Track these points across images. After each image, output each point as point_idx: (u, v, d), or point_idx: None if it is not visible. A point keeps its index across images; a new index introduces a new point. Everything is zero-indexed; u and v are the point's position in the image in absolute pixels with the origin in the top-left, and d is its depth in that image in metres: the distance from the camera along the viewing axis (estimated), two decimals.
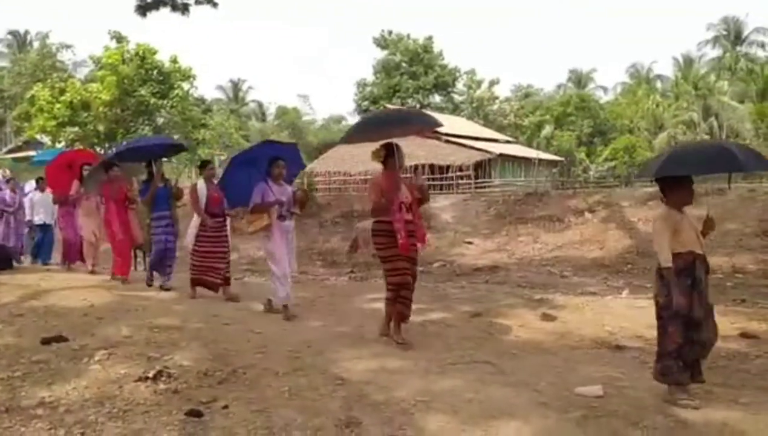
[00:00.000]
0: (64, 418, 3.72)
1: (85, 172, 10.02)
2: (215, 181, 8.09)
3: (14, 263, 12.14)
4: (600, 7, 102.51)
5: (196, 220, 7.84)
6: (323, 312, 7.26)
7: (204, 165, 8.34)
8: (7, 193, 11.91)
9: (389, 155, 5.80)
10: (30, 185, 13.52)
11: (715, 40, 49.31)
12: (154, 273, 8.61)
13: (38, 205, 12.15)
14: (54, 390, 4.16)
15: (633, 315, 7.04)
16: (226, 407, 3.96)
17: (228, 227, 8.08)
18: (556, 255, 13.23)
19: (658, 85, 52.35)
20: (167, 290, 8.15)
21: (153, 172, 8.45)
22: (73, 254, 10.81)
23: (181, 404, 3.96)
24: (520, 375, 4.83)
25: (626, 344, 5.84)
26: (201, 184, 7.90)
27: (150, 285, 8.51)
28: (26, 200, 12.85)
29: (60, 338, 5.23)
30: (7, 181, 14.17)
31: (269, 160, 7.04)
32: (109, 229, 9.23)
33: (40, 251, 12.14)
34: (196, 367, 4.68)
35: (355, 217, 18.32)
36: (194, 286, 7.87)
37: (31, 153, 34.46)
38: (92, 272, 9.91)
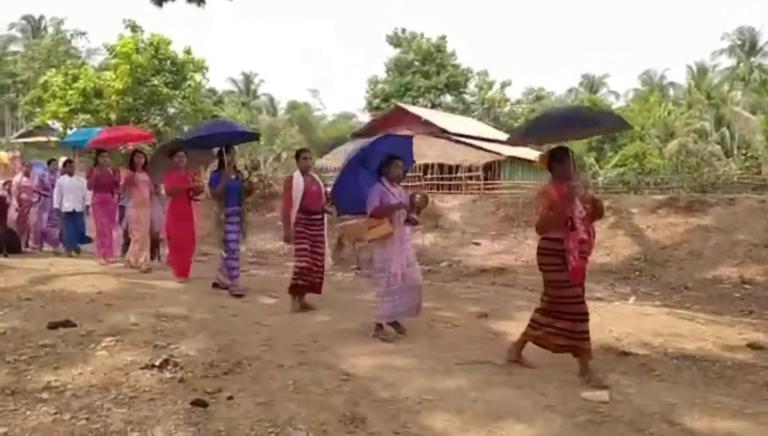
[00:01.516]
0: (69, 403, 3.73)
1: (137, 158, 9.44)
2: (313, 174, 7.24)
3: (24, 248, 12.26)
4: (614, 13, 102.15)
5: (293, 215, 6.95)
6: (329, 307, 7.25)
7: (298, 156, 7.26)
8: (46, 176, 11.65)
9: (559, 161, 4.92)
10: (39, 168, 13.31)
11: (730, 50, 49.07)
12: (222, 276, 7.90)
13: (67, 190, 11.24)
14: (60, 375, 4.18)
15: (640, 322, 7.01)
16: (231, 398, 3.97)
17: (325, 227, 7.21)
18: None
19: (671, 92, 52.10)
20: (239, 295, 7.55)
21: (225, 161, 7.74)
22: (108, 247, 10.31)
23: (187, 394, 3.96)
24: (526, 378, 4.81)
25: (633, 350, 5.80)
26: (298, 176, 6.98)
27: (216, 286, 7.86)
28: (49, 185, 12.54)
29: (67, 323, 5.25)
30: (23, 165, 14.25)
31: (384, 157, 5.98)
32: (169, 222, 8.52)
33: (69, 239, 11.46)
34: (202, 357, 4.69)
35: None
36: (296, 293, 6.98)
37: (42, 138, 34.67)
38: (147, 271, 9.03)
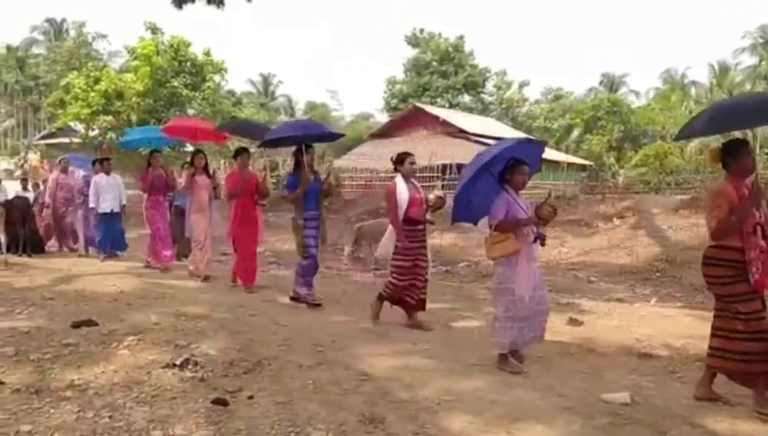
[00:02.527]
0: (92, 401, 3.77)
1: (198, 160, 8.93)
2: (414, 180, 6.43)
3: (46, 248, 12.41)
4: (634, 11, 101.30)
5: (393, 231, 6.27)
6: (348, 307, 7.27)
7: (402, 159, 6.32)
8: (98, 176, 10.91)
9: (737, 155, 4.26)
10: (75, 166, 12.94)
11: (752, 48, 48.38)
12: (299, 285, 7.28)
13: (105, 190, 10.70)
14: (83, 373, 4.23)
15: (662, 324, 6.95)
16: (251, 397, 3.99)
17: (426, 237, 6.48)
18: (583, 260, 13.10)
19: (692, 91, 51.52)
20: (317, 305, 7.13)
21: (302, 161, 7.11)
22: (160, 252, 9.79)
23: (207, 393, 3.99)
24: (546, 379, 4.79)
25: (654, 352, 5.75)
26: (400, 182, 6.22)
27: (296, 299, 7.22)
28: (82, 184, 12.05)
29: (90, 323, 5.32)
30: (59, 162, 14.16)
31: (510, 162, 5.12)
32: (233, 227, 8.00)
33: (104, 242, 10.93)
34: (222, 356, 4.72)
35: (381, 214, 18.30)
36: (383, 301, 6.51)
37: (64, 140, 35.07)
38: (205, 279, 8.61)
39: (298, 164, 7.20)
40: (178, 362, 4.42)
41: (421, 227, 6.30)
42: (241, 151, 8.19)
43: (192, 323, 5.64)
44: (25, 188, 13.20)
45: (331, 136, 8.51)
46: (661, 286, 10.89)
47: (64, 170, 12.29)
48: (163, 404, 3.78)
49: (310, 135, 7.42)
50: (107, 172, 10.90)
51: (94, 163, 12.31)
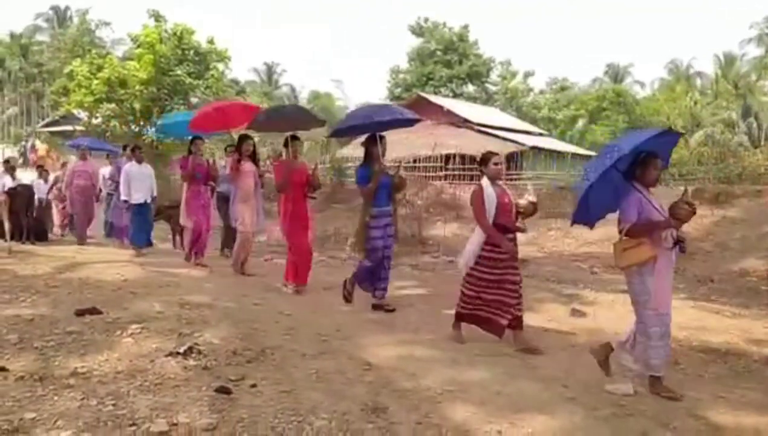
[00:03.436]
0: (96, 389, 3.78)
1: (245, 145, 8.22)
2: (501, 182, 5.69)
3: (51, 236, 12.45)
4: (640, 1, 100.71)
5: (479, 234, 5.50)
6: (352, 299, 7.26)
7: (486, 159, 5.64)
8: (129, 164, 10.24)
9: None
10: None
11: (758, 39, 48.06)
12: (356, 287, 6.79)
13: (136, 179, 10.00)
14: (87, 361, 4.23)
15: None
16: (254, 386, 3.99)
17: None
18: (587, 251, 13.06)
19: (697, 82, 51.29)
20: (390, 310, 6.58)
21: (374, 152, 6.52)
22: (201, 245, 9.09)
23: (211, 381, 4.00)
24: (549, 370, 4.79)
25: None
26: (487, 186, 5.50)
27: (349, 300, 6.79)
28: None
29: (93, 311, 5.32)
30: (63, 165, 14.02)
31: (642, 155, 4.46)
32: (285, 223, 7.40)
33: (138, 236, 10.23)
34: (226, 345, 4.73)
35: None
36: (461, 322, 5.69)
37: (68, 127, 35.08)
38: (250, 275, 8.21)
39: (368, 155, 6.62)
40: (181, 351, 4.42)
41: (511, 235, 5.55)
42: (292, 139, 7.38)
43: (196, 312, 5.64)
44: (41, 177, 13.26)
45: (408, 122, 7.44)
46: None
47: (83, 158, 12.02)
48: (166, 392, 3.78)
49: (385, 122, 6.85)
50: (139, 161, 10.24)
51: (124, 148, 11.92)
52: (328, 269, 9.84)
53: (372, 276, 6.71)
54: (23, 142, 33.87)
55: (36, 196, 12.96)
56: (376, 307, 6.59)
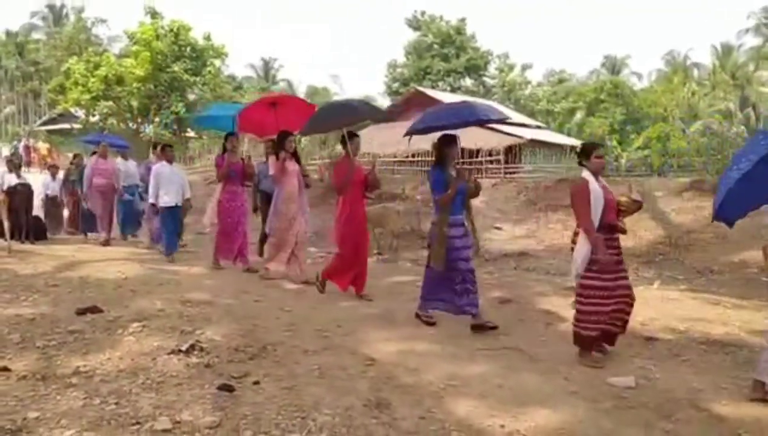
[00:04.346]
0: (99, 387, 3.78)
1: (288, 143, 7.63)
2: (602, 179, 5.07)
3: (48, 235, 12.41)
4: None
5: (585, 240, 4.87)
6: (352, 292, 7.27)
7: (588, 151, 5.07)
8: (159, 165, 9.57)
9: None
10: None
11: (756, 29, 48.01)
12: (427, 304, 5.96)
13: (167, 181, 9.20)
14: (89, 360, 4.24)
15: (665, 307, 6.95)
16: (257, 382, 4.00)
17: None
18: None
19: (695, 73, 51.21)
20: (492, 327, 5.69)
21: (450, 154, 5.85)
22: (228, 250, 8.54)
23: (213, 378, 4.00)
24: (551, 363, 4.80)
25: (659, 335, 5.76)
26: (592, 181, 4.91)
27: (432, 323, 5.85)
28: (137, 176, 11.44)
29: (95, 309, 5.33)
30: (74, 157, 13.55)
31: None
32: (341, 226, 6.86)
33: (171, 241, 9.42)
34: (228, 342, 4.73)
35: (384, 199, 18.28)
36: (592, 345, 4.95)
37: (65, 126, 34.98)
38: (305, 283, 7.52)
39: (443, 157, 5.85)
40: (183, 348, 4.43)
41: (617, 235, 5.05)
42: (352, 136, 6.85)
43: (197, 309, 5.65)
44: (54, 177, 13.22)
45: (498, 119, 6.63)
46: (664, 268, 10.87)
47: (103, 155, 11.43)
48: (169, 390, 3.78)
49: (470, 121, 6.18)
50: (170, 161, 9.48)
51: (154, 148, 11.23)
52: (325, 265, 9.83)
53: (457, 291, 5.74)
54: (15, 143, 33.43)
55: (47, 194, 13.00)
56: (476, 328, 5.68)
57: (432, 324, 5.81)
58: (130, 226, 12.13)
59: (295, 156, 7.82)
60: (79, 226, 12.66)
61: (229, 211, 8.44)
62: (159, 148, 10.37)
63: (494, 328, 5.67)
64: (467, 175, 5.93)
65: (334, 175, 6.97)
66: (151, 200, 9.41)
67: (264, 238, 8.84)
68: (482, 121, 6.46)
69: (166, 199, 9.16)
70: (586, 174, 4.98)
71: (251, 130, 9.19)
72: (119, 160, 12.01)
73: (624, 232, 5.14)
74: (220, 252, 8.57)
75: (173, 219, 9.37)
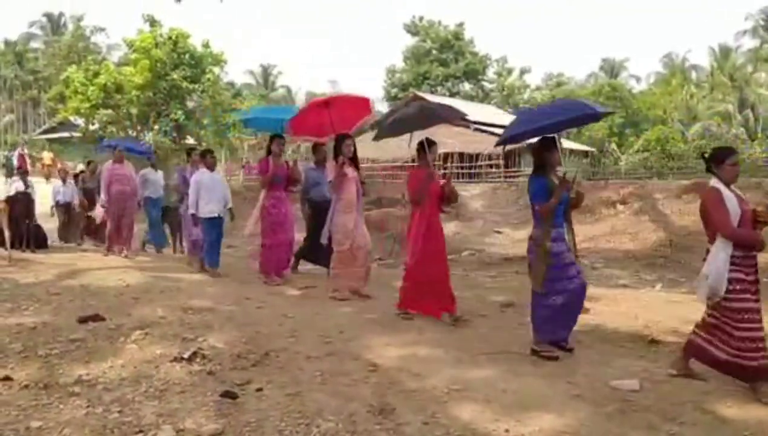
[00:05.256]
0: (101, 396, 3.77)
1: (346, 146, 7.04)
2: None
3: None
4: None
5: (723, 250, 4.28)
6: (353, 298, 7.25)
7: (722, 158, 4.45)
8: (188, 171, 9.26)
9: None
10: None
11: (753, 31, 48.14)
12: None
13: (207, 190, 8.47)
14: (91, 368, 4.23)
15: (668, 309, 6.94)
16: (260, 389, 3.99)
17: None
18: (587, 246, 13.07)
19: (693, 75, 51.30)
20: (570, 350, 5.16)
21: (551, 160, 5.16)
22: (272, 263, 8.16)
23: (216, 386, 3.99)
24: (554, 367, 4.78)
25: (662, 338, 5.74)
26: (724, 189, 4.36)
27: (555, 357, 4.99)
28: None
29: (96, 317, 5.31)
30: (88, 164, 13.47)
31: None
32: (417, 242, 6.18)
33: (212, 252, 8.64)
34: (230, 349, 4.72)
35: (384, 204, 18.30)
36: (758, 376, 4.26)
37: (65, 134, 34.98)
38: (366, 297, 7.09)
39: (542, 163, 5.18)
40: (186, 356, 4.42)
41: (754, 253, 4.37)
42: (431, 143, 6.24)
43: (198, 316, 5.64)
44: (64, 181, 13.21)
45: (595, 117, 5.90)
46: (666, 271, 10.89)
47: (119, 160, 10.59)
48: (172, 398, 3.77)
49: (566, 122, 5.64)
50: (211, 168, 8.73)
51: (189, 153, 10.58)
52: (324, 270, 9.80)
53: (562, 316, 5.11)
54: (7, 153, 32.76)
55: (57, 201, 12.97)
56: (567, 349, 5.16)
57: (555, 359, 4.98)
58: (161, 237, 11.99)
59: (355, 161, 7.24)
60: (104, 237, 11.53)
61: (275, 218, 7.99)
62: (196, 154, 9.84)
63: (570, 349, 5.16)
64: (572, 183, 5.18)
65: (409, 185, 6.46)
66: (191, 211, 8.61)
67: (303, 252, 8.51)
68: (598, 114, 5.67)
69: (207, 209, 8.45)
70: (715, 182, 4.42)
71: (308, 133, 8.70)
72: (149, 170, 11.66)
73: (762, 247, 4.36)
74: (269, 265, 8.12)
75: (215, 230, 8.60)
